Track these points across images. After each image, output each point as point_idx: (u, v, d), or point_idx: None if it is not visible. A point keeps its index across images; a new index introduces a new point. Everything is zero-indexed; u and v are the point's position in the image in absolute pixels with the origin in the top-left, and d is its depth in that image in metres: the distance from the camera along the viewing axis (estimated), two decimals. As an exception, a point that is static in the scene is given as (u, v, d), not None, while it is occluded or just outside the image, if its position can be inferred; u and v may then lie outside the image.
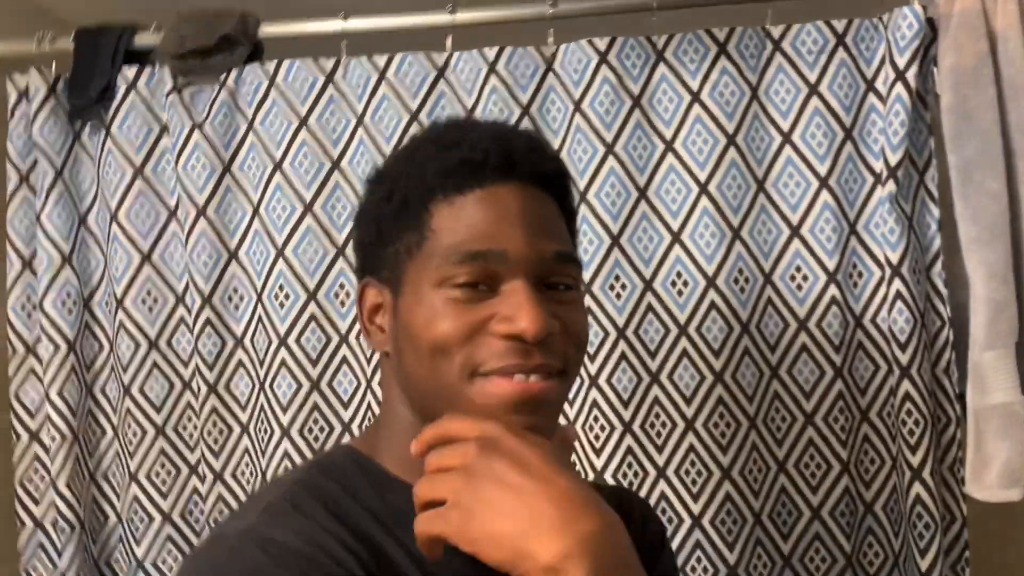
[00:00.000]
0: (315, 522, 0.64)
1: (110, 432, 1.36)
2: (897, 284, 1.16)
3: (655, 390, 1.22)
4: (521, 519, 0.55)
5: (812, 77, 1.22)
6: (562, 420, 1.26)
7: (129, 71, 1.34)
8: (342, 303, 1.28)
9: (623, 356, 1.22)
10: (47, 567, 1.33)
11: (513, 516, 0.56)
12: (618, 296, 1.22)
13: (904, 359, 1.15)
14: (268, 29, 1.33)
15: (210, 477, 1.30)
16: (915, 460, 1.14)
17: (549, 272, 0.68)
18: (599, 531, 0.55)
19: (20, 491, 1.34)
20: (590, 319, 1.22)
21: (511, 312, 0.65)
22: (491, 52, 1.25)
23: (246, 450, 1.31)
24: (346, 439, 1.26)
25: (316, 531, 0.63)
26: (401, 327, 0.69)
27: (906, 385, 1.15)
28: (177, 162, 1.30)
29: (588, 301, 1.22)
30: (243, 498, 1.30)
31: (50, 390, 1.31)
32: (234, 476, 1.31)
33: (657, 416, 1.22)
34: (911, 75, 1.16)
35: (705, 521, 1.19)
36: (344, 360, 1.28)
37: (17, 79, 1.36)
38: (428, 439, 0.62)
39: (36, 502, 1.34)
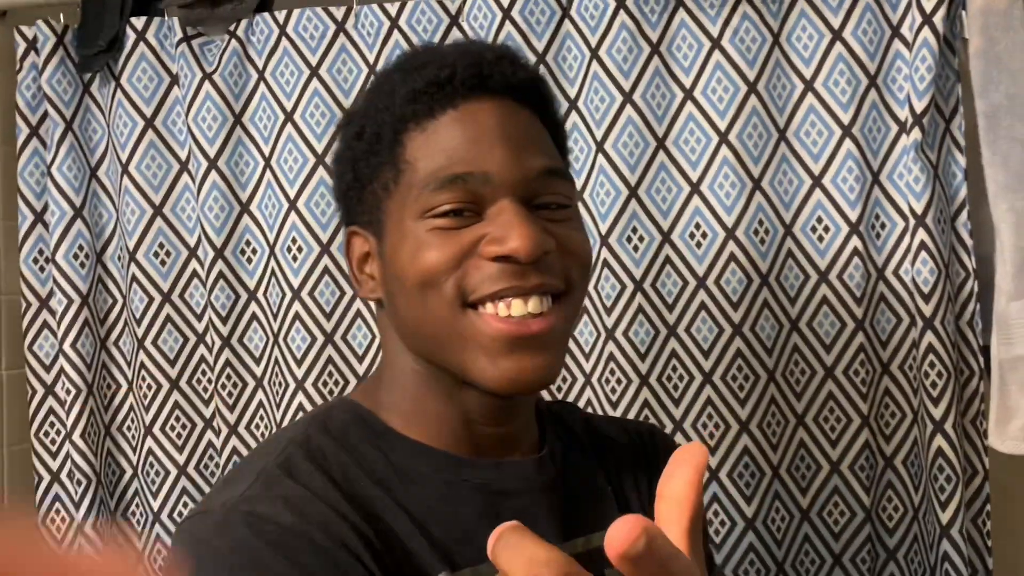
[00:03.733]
0: (309, 490, 0.60)
1: (124, 385, 1.36)
2: (921, 234, 1.13)
3: (672, 343, 1.20)
4: None
5: (836, 22, 1.18)
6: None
7: (138, 21, 1.32)
8: (355, 256, 1.27)
9: (640, 309, 1.20)
10: (64, 519, 1.34)
11: None
12: (635, 248, 1.20)
13: (928, 310, 1.12)
14: (278, -24, 1.30)
15: (225, 430, 1.30)
16: (937, 413, 1.12)
17: (537, 191, 0.64)
18: None
19: (36, 444, 1.35)
20: (607, 272, 1.20)
21: (501, 232, 0.61)
22: (506, -2, 1.23)
23: (260, 403, 1.30)
24: (349, 390, 1.25)
25: (309, 501, 0.59)
26: (388, 268, 0.66)
27: (929, 337, 1.13)
28: (188, 113, 1.29)
29: (605, 253, 1.20)
30: (258, 452, 1.30)
31: (64, 343, 1.30)
32: (248, 429, 1.30)
33: (675, 369, 1.20)
34: (938, 19, 1.13)
35: (722, 474, 1.18)
36: (359, 313, 1.27)
37: (25, 30, 1.34)
38: None
39: (52, 455, 1.35)
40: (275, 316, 1.28)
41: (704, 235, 1.20)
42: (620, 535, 0.30)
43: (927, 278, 1.13)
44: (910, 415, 1.18)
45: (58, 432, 1.35)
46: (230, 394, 1.30)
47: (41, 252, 1.35)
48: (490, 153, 0.63)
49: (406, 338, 0.67)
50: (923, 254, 1.13)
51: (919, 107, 1.14)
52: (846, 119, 1.18)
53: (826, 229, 1.19)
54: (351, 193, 0.70)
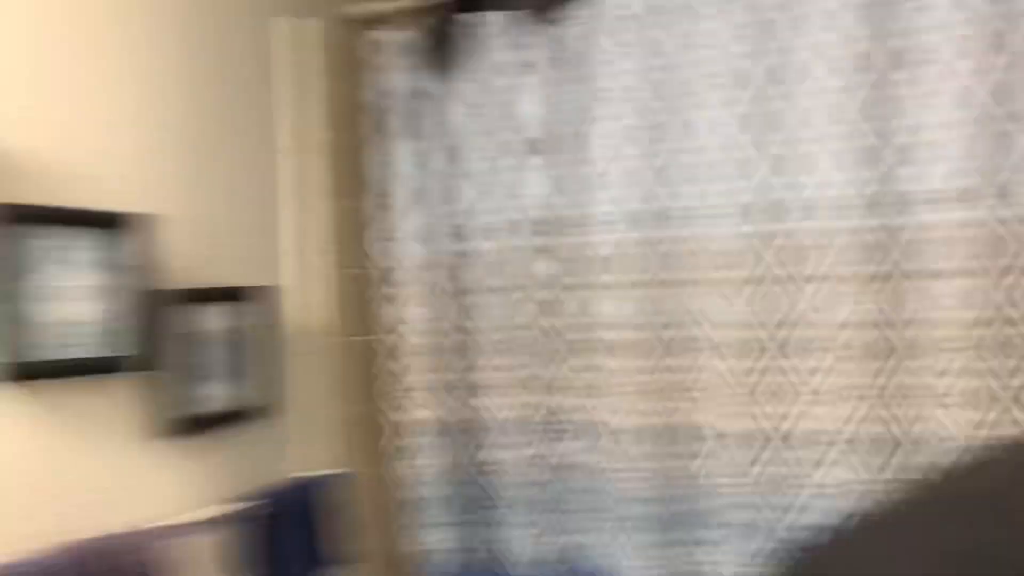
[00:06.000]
0: None
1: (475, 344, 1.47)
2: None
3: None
4: None
5: None
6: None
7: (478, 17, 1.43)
8: None
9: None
10: (424, 465, 1.47)
11: None
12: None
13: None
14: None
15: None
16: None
17: None
18: None
19: (394, 397, 1.50)
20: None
21: None
22: None
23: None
24: None
25: None
26: None
27: None
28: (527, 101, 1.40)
29: None
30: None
31: (410, 310, 1.47)
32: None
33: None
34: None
35: None
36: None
37: (378, 33, 1.49)
38: None
39: (406, 409, 1.49)
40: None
41: None
42: None
43: None
44: None
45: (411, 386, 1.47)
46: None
47: (386, 231, 1.51)
48: None
49: None
50: None
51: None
52: None
53: None
54: None
